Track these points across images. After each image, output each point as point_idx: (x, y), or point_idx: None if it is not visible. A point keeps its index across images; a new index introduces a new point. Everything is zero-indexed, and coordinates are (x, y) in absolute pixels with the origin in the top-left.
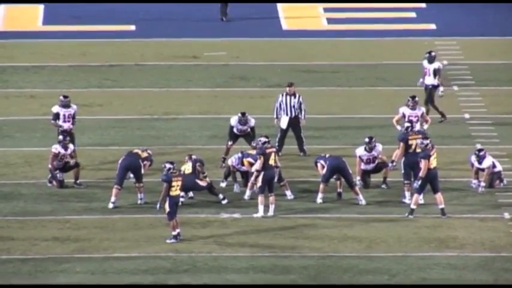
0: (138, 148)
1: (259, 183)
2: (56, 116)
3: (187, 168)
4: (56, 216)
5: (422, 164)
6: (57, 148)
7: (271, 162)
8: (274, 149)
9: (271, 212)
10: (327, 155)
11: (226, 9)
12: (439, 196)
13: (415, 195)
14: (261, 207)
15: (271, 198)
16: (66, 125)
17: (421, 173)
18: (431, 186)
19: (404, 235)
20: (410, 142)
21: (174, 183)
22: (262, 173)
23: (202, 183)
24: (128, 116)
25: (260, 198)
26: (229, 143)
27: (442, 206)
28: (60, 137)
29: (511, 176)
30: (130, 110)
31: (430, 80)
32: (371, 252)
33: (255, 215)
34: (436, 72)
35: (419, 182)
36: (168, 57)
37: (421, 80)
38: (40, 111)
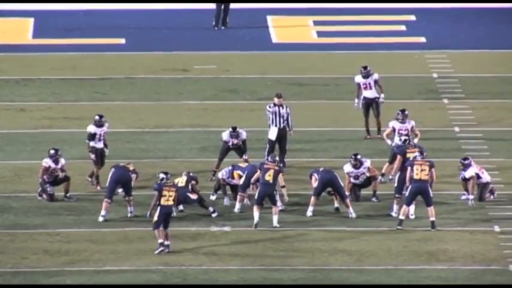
0: (123, 162)
1: (256, 195)
2: (92, 137)
3: (180, 181)
4: (46, 230)
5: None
6: (47, 162)
7: (268, 178)
8: (276, 167)
9: (275, 223)
10: (321, 169)
11: (226, 18)
12: (431, 209)
13: (404, 207)
14: (256, 214)
15: (274, 210)
16: (100, 145)
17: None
18: (424, 199)
19: (394, 248)
20: (407, 155)
21: (165, 193)
22: (258, 188)
23: (193, 196)
24: (118, 129)
25: (254, 207)
26: (221, 157)
27: (433, 218)
28: (52, 151)
29: (501, 189)
30: (121, 123)
31: (373, 93)
32: (361, 265)
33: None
34: (376, 83)
35: (406, 194)
36: (158, 70)
37: (356, 100)
38: (30, 124)
